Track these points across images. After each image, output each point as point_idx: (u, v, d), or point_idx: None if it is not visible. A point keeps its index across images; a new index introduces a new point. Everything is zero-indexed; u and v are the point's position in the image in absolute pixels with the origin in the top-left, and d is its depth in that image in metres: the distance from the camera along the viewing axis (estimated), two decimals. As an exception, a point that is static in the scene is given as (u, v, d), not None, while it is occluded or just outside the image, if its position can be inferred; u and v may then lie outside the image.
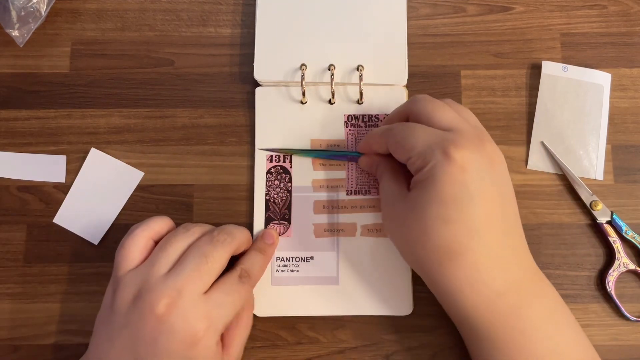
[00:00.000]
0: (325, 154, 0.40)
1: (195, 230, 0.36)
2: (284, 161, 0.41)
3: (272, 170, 0.41)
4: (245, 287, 0.35)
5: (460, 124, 0.33)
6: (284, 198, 0.40)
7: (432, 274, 0.33)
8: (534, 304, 0.33)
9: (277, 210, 0.40)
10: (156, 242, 0.36)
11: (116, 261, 0.35)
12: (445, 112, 0.34)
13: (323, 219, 0.40)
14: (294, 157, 0.41)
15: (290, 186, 0.40)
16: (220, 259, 0.34)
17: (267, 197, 0.40)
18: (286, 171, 0.41)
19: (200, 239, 0.35)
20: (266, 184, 0.40)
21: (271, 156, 0.41)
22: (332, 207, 0.40)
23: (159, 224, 0.36)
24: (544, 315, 0.33)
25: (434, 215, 0.31)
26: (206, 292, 0.33)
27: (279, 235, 0.40)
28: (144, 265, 0.34)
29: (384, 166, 0.37)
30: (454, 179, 0.31)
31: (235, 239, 0.36)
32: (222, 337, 0.35)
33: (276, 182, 0.40)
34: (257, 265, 0.37)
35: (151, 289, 0.32)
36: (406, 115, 0.36)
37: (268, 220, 0.40)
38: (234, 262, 0.37)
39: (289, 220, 0.40)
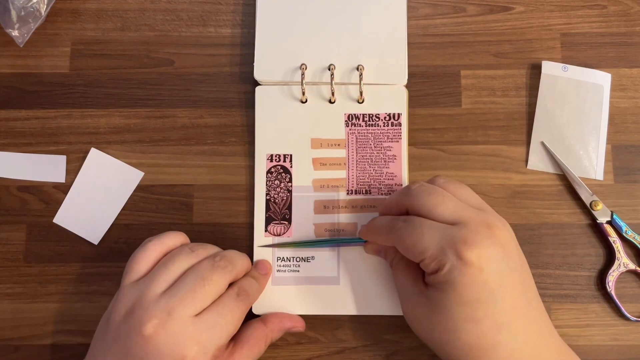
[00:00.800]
0: (330, 243, 0.39)
1: (199, 253, 0.36)
2: (285, 161, 0.41)
3: (273, 170, 0.41)
4: (240, 305, 0.35)
5: (464, 214, 0.33)
6: (285, 198, 0.40)
7: None
8: None
9: (278, 210, 0.40)
10: None
11: (124, 271, 0.35)
12: (447, 204, 0.33)
13: (323, 218, 0.40)
14: (294, 157, 0.41)
15: (291, 186, 0.40)
16: (218, 284, 0.34)
17: (268, 197, 0.40)
18: (287, 171, 0.41)
19: (202, 262, 0.35)
20: (266, 184, 0.40)
21: (271, 155, 0.41)
22: (332, 207, 0.40)
23: (172, 240, 0.36)
24: None
25: (460, 317, 0.31)
26: (198, 314, 0.33)
27: (279, 235, 0.40)
28: (144, 280, 0.34)
29: (393, 255, 0.37)
30: (473, 280, 0.31)
31: (235, 267, 0.36)
32: (241, 332, 0.35)
33: (276, 181, 0.40)
34: (254, 287, 0.37)
35: (143, 306, 0.32)
36: (404, 207, 0.35)
37: (268, 220, 0.40)
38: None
39: (289, 220, 0.40)
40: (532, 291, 0.34)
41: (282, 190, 0.40)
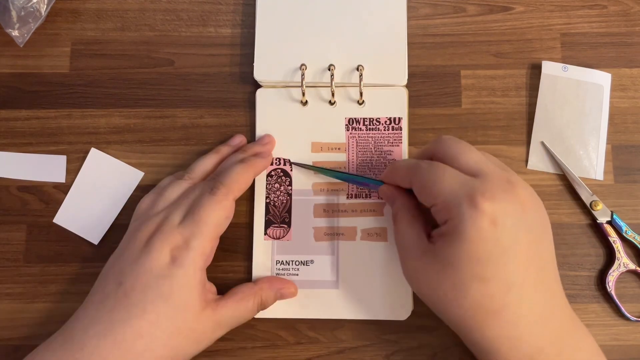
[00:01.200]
0: (349, 177, 0.40)
1: (191, 176, 0.38)
2: (285, 164, 0.41)
3: (273, 173, 0.41)
4: (216, 199, 0.35)
5: (487, 167, 0.32)
6: (284, 201, 0.40)
7: (469, 332, 0.31)
8: (574, 357, 0.31)
9: (277, 214, 0.40)
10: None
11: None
12: (472, 154, 0.33)
13: (323, 222, 0.40)
14: (294, 160, 0.41)
15: (291, 189, 0.40)
16: (206, 207, 0.35)
17: (267, 200, 0.40)
18: (287, 174, 0.40)
19: (198, 191, 0.36)
20: (266, 187, 0.40)
21: (272, 160, 0.41)
22: (332, 210, 0.40)
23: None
24: None
25: (467, 274, 0.30)
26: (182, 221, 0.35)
27: (279, 239, 0.40)
28: (157, 198, 0.37)
29: (401, 205, 0.36)
30: (485, 234, 0.29)
31: (231, 191, 0.36)
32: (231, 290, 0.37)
33: (276, 185, 0.40)
34: (232, 177, 0.37)
35: (143, 220, 0.36)
36: (431, 154, 0.35)
37: (268, 224, 0.40)
38: None
39: (289, 224, 0.40)
40: (549, 256, 0.32)
41: (282, 194, 0.40)
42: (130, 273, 0.33)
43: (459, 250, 0.30)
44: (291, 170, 0.41)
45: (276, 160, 0.41)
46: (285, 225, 0.40)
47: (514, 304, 0.30)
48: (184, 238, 0.34)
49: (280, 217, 0.40)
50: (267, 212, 0.40)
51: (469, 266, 0.30)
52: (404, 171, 0.35)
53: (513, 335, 0.30)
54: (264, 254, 0.40)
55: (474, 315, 0.31)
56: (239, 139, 0.41)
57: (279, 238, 0.40)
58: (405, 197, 0.36)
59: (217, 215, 0.35)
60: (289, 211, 0.40)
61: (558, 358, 0.31)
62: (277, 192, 0.40)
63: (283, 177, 0.40)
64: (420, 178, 0.33)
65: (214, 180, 0.37)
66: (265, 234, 0.40)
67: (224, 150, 0.40)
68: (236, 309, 0.36)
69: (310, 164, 0.41)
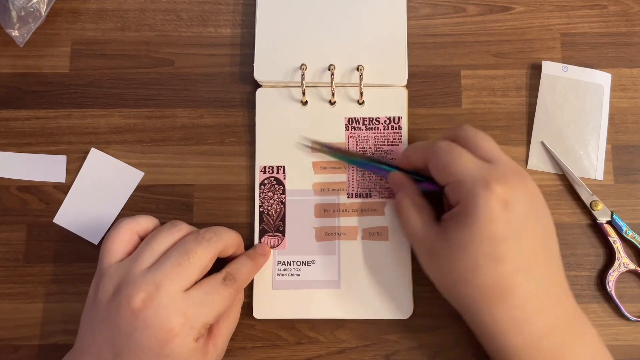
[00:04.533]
0: (362, 162, 0.40)
1: (182, 227, 0.36)
2: (278, 172, 0.41)
3: (266, 181, 0.40)
4: (228, 290, 0.35)
5: (502, 156, 0.33)
6: (278, 210, 0.40)
7: (477, 313, 0.32)
8: (578, 344, 0.32)
9: (271, 222, 0.40)
10: (141, 238, 0.36)
11: (101, 253, 0.35)
12: (490, 142, 0.34)
13: (324, 222, 0.40)
14: (291, 162, 0.40)
15: (284, 198, 0.40)
16: (203, 257, 0.34)
17: (261, 209, 0.40)
18: (280, 182, 0.40)
19: (186, 237, 0.35)
20: (260, 196, 0.40)
21: (264, 168, 0.41)
22: (333, 210, 0.40)
23: (145, 220, 0.36)
24: (587, 355, 0.32)
25: (481, 253, 0.31)
26: (187, 290, 0.33)
27: (273, 247, 0.40)
28: (128, 259, 0.34)
29: (405, 194, 0.36)
30: (498, 215, 0.31)
31: (221, 238, 0.35)
32: (210, 328, 0.35)
33: (270, 193, 0.40)
34: (244, 270, 0.36)
35: (130, 282, 0.33)
36: (452, 138, 0.35)
37: (262, 232, 0.40)
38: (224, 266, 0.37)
39: (283, 232, 0.40)
40: (553, 247, 0.34)
41: (275, 202, 0.40)
42: (127, 349, 0.32)
43: (472, 230, 0.31)
44: (284, 178, 0.40)
45: (269, 168, 0.41)
46: (280, 234, 0.40)
47: (522, 286, 0.31)
48: (185, 317, 0.32)
49: (274, 226, 0.40)
50: (261, 220, 0.40)
51: (482, 245, 0.31)
52: (422, 150, 0.36)
53: (520, 317, 0.31)
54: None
55: (483, 295, 0.31)
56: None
57: (273, 247, 0.40)
58: (412, 184, 0.37)
59: (225, 306, 0.35)
60: (283, 220, 0.40)
61: (562, 344, 0.32)
62: (270, 201, 0.40)
63: (276, 186, 0.40)
64: (439, 155, 0.34)
65: (227, 272, 0.36)
66: (260, 242, 0.40)
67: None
68: (228, 327, 0.36)
69: (310, 166, 0.41)
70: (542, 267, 0.32)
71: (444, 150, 0.33)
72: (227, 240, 0.36)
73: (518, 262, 0.31)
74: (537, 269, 0.31)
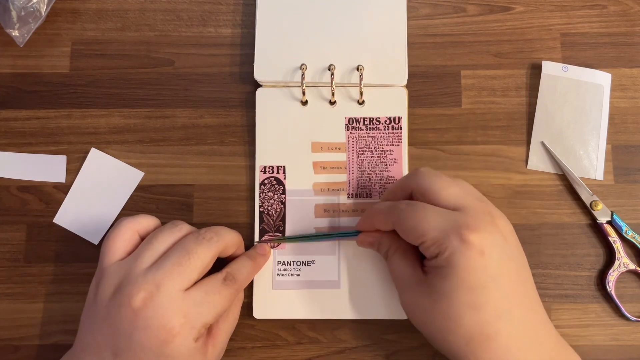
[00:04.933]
0: (324, 237, 0.39)
1: (183, 227, 0.36)
2: (278, 172, 0.41)
3: (266, 181, 0.40)
4: (228, 290, 0.35)
5: (467, 201, 0.33)
6: (278, 210, 0.40)
7: (464, 359, 0.32)
8: None
9: (271, 222, 0.40)
10: (142, 238, 0.36)
11: (101, 252, 0.35)
12: (452, 189, 0.34)
13: (324, 222, 0.40)
14: (291, 162, 0.40)
15: (284, 198, 0.40)
16: (204, 257, 0.34)
17: (261, 209, 0.40)
18: (280, 183, 0.40)
19: (187, 236, 0.35)
20: (260, 196, 0.40)
21: (264, 167, 0.41)
22: (333, 210, 0.40)
23: (146, 219, 0.37)
24: None
25: (462, 303, 0.31)
26: (187, 289, 0.33)
27: (273, 247, 0.40)
28: (129, 259, 0.34)
29: (389, 244, 0.36)
30: (475, 264, 0.31)
31: (222, 238, 0.36)
32: (210, 328, 0.35)
33: (270, 193, 0.40)
34: (244, 270, 0.36)
35: (131, 281, 0.33)
36: (408, 189, 0.35)
37: (262, 232, 0.40)
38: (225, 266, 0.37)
39: (283, 233, 0.40)
40: (530, 282, 0.34)
41: (275, 202, 0.40)
42: (127, 348, 0.32)
43: (452, 281, 0.31)
44: (284, 178, 0.40)
45: (269, 168, 0.41)
46: (280, 234, 0.40)
47: (506, 330, 0.31)
48: (185, 317, 0.32)
49: (274, 226, 0.40)
50: (261, 220, 0.40)
51: (461, 295, 0.31)
52: (383, 216, 0.35)
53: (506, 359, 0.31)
54: None
55: (468, 342, 0.31)
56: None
57: (273, 247, 0.40)
58: (390, 235, 0.36)
59: (225, 306, 0.35)
60: (283, 220, 0.40)
61: None
62: (270, 201, 0.40)
63: (277, 186, 0.40)
64: (405, 221, 0.33)
65: (227, 272, 0.36)
66: (259, 242, 0.40)
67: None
68: (228, 327, 0.36)
69: (310, 166, 0.40)
70: (523, 306, 0.32)
71: (407, 213, 0.33)
72: (227, 240, 0.36)
73: (499, 307, 0.31)
74: (518, 310, 0.32)
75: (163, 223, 0.37)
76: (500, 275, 0.31)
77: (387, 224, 0.35)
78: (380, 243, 0.37)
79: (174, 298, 0.32)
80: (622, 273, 0.39)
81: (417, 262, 0.35)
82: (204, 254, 0.34)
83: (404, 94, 0.41)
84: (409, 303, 0.34)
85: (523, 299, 0.32)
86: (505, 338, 0.31)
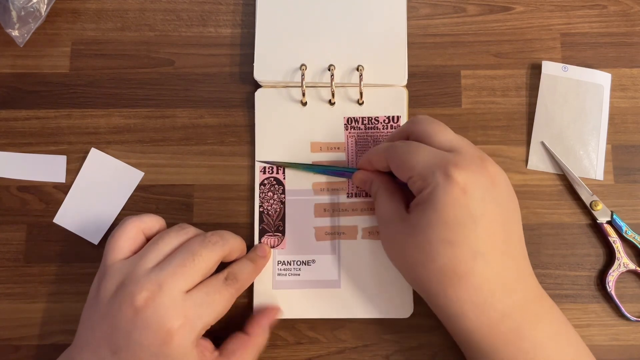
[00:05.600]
0: (322, 169, 0.40)
1: (189, 230, 0.36)
2: (278, 172, 0.41)
3: (266, 182, 0.40)
4: (229, 290, 0.35)
5: (461, 144, 0.34)
6: (278, 210, 0.40)
7: (435, 296, 0.33)
8: (538, 325, 0.32)
9: (271, 222, 0.40)
10: (147, 237, 0.36)
11: (105, 250, 0.35)
12: (447, 132, 0.34)
13: (324, 222, 0.40)
14: (293, 161, 0.41)
15: (284, 198, 0.40)
16: (208, 259, 0.34)
17: (261, 209, 0.40)
18: (280, 183, 0.40)
19: (193, 239, 0.35)
20: (259, 196, 0.40)
21: (264, 168, 0.41)
22: (333, 210, 0.40)
23: (151, 219, 0.37)
24: (547, 336, 0.32)
25: (436, 237, 0.31)
26: (188, 291, 0.33)
27: (273, 247, 0.40)
28: (133, 258, 0.34)
29: (379, 184, 0.37)
30: (455, 201, 0.31)
31: (227, 243, 0.36)
32: (226, 345, 0.35)
33: (270, 193, 0.40)
34: (245, 271, 0.36)
35: (134, 280, 0.33)
36: (407, 135, 0.36)
37: (262, 232, 0.40)
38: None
39: (283, 232, 0.40)
40: (516, 231, 0.34)
41: (275, 202, 0.40)
42: (126, 346, 0.32)
43: (430, 215, 0.31)
44: (284, 178, 0.40)
45: (269, 168, 0.41)
46: (280, 234, 0.40)
47: (479, 270, 0.31)
48: (185, 318, 0.32)
49: (274, 226, 0.40)
50: (261, 220, 0.40)
51: (438, 230, 0.31)
52: (381, 153, 0.36)
53: (477, 300, 0.32)
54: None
55: (441, 279, 0.32)
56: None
57: (273, 247, 0.40)
58: (381, 175, 0.37)
59: (226, 306, 0.35)
60: (283, 219, 0.40)
61: (522, 324, 0.32)
62: (270, 201, 0.40)
63: (276, 185, 0.40)
64: (397, 155, 0.34)
65: (228, 272, 0.36)
66: (260, 242, 0.40)
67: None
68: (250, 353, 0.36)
69: (310, 162, 0.41)
70: (502, 250, 0.32)
71: (401, 149, 0.34)
72: (232, 245, 0.36)
73: (475, 247, 0.31)
74: (494, 253, 0.32)
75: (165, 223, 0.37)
76: (482, 216, 0.31)
77: (382, 162, 0.36)
78: (372, 182, 0.37)
79: (175, 299, 0.32)
80: (622, 273, 0.39)
81: (402, 202, 0.35)
82: (208, 257, 0.34)
83: (403, 94, 0.41)
84: (388, 237, 0.35)
85: (503, 245, 0.32)
86: (478, 278, 0.31)
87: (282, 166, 0.40)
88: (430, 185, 0.32)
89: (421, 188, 0.32)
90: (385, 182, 0.37)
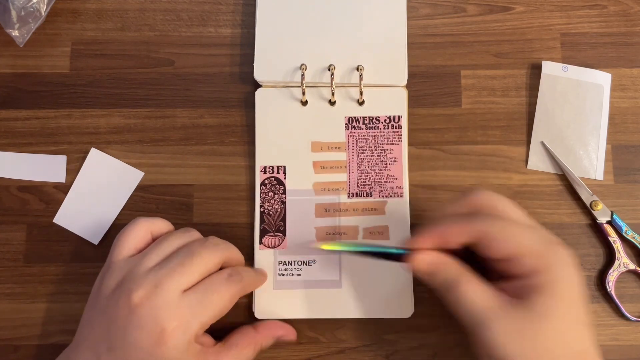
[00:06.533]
0: (372, 249, 0.35)
1: (194, 234, 0.36)
2: (278, 172, 0.41)
3: (267, 182, 0.40)
4: (232, 287, 0.34)
5: (535, 222, 0.33)
6: (279, 210, 0.40)
7: None
8: None
9: (272, 222, 0.40)
10: (155, 240, 0.36)
11: (113, 246, 0.36)
12: (517, 208, 0.33)
13: (325, 222, 0.40)
14: (291, 162, 0.40)
15: (285, 198, 0.40)
16: (207, 260, 0.34)
17: (262, 209, 0.40)
18: (280, 182, 0.40)
19: (194, 240, 0.35)
20: (260, 196, 0.40)
21: (265, 167, 0.41)
22: (333, 210, 0.40)
23: (161, 222, 0.37)
24: None
25: (572, 319, 0.30)
26: (186, 290, 0.33)
27: (274, 247, 0.40)
28: (137, 256, 0.35)
29: (456, 271, 0.32)
30: (576, 280, 0.31)
31: (229, 247, 0.36)
32: (230, 336, 0.36)
33: (270, 193, 0.40)
34: (249, 274, 0.36)
35: (133, 278, 0.33)
36: (473, 208, 0.33)
37: (263, 232, 0.40)
38: None
39: (284, 232, 0.40)
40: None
41: (276, 202, 0.40)
42: (121, 344, 0.32)
43: (557, 299, 0.30)
44: (285, 178, 0.40)
45: (269, 168, 0.41)
46: (280, 234, 0.40)
47: (593, 348, 0.31)
48: (180, 319, 0.32)
49: (275, 226, 0.40)
50: (262, 221, 0.40)
51: (570, 311, 0.30)
52: (459, 227, 0.32)
53: None
54: (267, 254, 0.40)
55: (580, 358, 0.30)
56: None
57: (274, 247, 0.40)
58: (456, 260, 0.32)
59: (226, 304, 0.34)
60: (284, 219, 0.40)
61: None
62: (271, 201, 0.40)
63: (277, 185, 0.40)
64: (492, 231, 0.31)
65: (233, 268, 0.35)
66: (261, 243, 0.40)
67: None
68: (237, 357, 0.35)
69: (311, 166, 0.40)
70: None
71: (496, 224, 0.31)
72: (233, 252, 0.36)
73: (589, 323, 0.31)
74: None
75: None
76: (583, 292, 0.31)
77: (463, 237, 0.32)
78: (445, 267, 0.32)
79: (171, 299, 0.32)
80: (622, 273, 0.39)
81: (496, 286, 0.31)
82: (207, 257, 0.34)
83: (403, 94, 0.41)
84: (505, 334, 0.29)
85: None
86: (592, 357, 0.30)
87: (335, 251, 0.39)
88: (552, 264, 0.30)
89: (532, 270, 0.30)
90: (463, 268, 0.32)
